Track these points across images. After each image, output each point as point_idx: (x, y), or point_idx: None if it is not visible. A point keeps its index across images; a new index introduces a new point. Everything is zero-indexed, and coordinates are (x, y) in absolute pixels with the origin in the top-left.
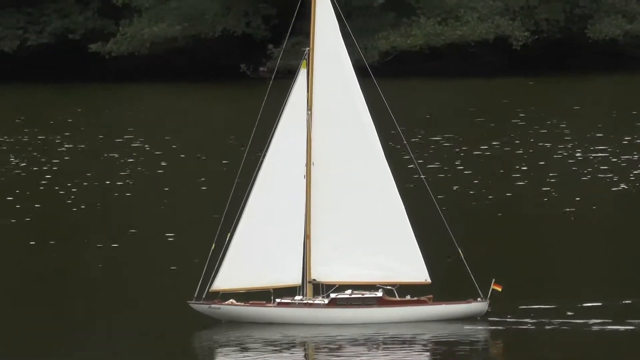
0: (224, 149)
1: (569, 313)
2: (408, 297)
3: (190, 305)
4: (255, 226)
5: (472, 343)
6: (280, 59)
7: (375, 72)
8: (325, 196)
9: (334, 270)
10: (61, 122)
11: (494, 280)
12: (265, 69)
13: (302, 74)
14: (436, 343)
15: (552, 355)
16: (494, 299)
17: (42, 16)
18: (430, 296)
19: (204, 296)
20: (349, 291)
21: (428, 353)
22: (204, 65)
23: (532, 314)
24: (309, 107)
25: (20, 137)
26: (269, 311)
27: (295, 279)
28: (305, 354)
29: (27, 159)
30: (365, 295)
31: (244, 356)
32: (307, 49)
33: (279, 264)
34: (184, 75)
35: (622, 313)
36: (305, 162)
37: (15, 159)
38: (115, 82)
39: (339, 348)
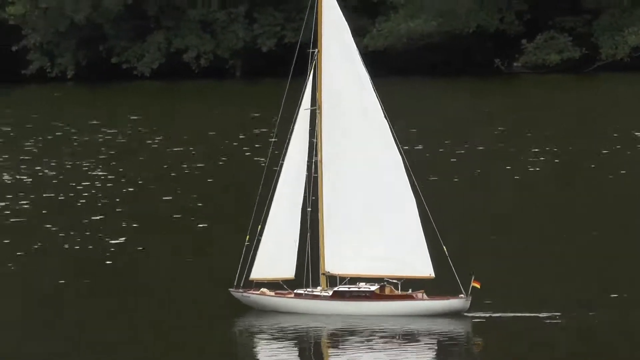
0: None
1: (549, 310)
2: (410, 291)
3: (231, 292)
4: (279, 220)
5: (451, 339)
6: (534, 54)
7: (626, 67)
8: (338, 193)
9: (345, 264)
10: None
11: (473, 277)
12: (519, 64)
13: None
14: (412, 338)
15: (532, 352)
16: (477, 295)
17: (300, 13)
18: (422, 291)
19: (241, 284)
20: (362, 284)
21: (405, 348)
22: (458, 60)
23: (513, 311)
24: (319, 107)
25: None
26: (281, 301)
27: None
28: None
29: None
30: (360, 289)
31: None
32: (316, 50)
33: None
34: (438, 71)
35: (602, 309)
36: (315, 159)
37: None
38: (372, 77)
39: (318, 339)
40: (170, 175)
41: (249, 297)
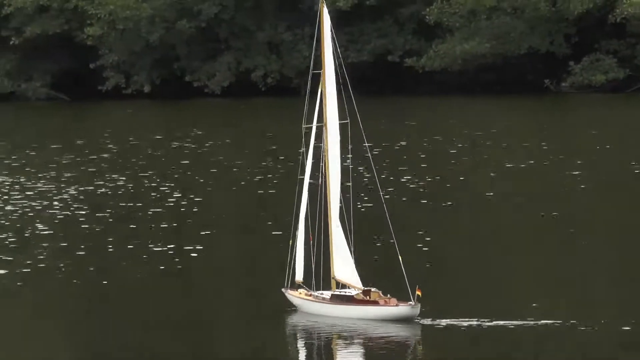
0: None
1: (500, 316)
2: (388, 297)
3: (283, 292)
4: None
5: (399, 344)
6: (580, 75)
7: None
8: (337, 206)
9: (342, 271)
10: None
11: (417, 285)
12: (567, 84)
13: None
14: (362, 342)
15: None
16: (428, 303)
17: (362, 35)
18: (387, 296)
19: (288, 285)
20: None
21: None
22: (510, 80)
23: (463, 317)
24: (325, 124)
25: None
26: (300, 302)
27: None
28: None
29: None
30: (342, 294)
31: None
32: (320, 71)
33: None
34: (491, 90)
35: (550, 313)
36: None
37: None
38: (427, 95)
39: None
40: (233, 185)
41: (288, 296)
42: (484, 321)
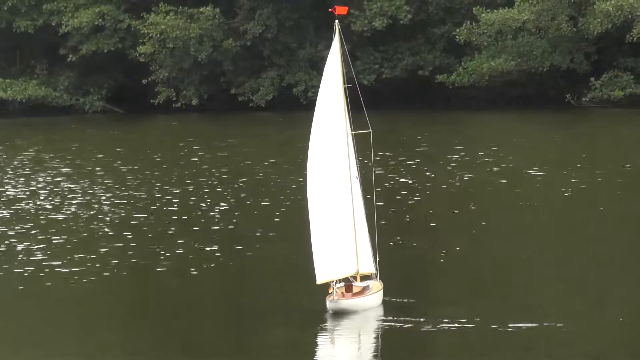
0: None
1: (458, 314)
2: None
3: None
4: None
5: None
6: (600, 90)
7: None
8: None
9: (363, 264)
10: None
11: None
12: (587, 99)
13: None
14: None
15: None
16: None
17: (396, 54)
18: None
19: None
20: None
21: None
22: (534, 95)
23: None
24: (348, 133)
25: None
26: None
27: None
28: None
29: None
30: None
31: None
32: (349, 85)
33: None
34: (516, 104)
35: (515, 314)
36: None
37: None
38: (457, 109)
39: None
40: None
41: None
42: (490, 323)
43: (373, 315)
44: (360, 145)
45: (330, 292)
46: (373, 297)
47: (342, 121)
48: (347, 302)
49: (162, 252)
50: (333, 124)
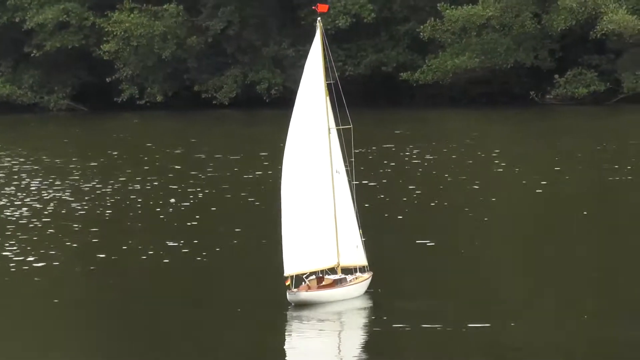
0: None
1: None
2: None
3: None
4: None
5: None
6: (564, 87)
7: None
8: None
9: (346, 257)
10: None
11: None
12: (552, 96)
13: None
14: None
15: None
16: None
17: (360, 51)
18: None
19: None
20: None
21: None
22: (498, 93)
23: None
24: (330, 128)
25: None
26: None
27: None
28: None
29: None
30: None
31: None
32: (332, 82)
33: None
34: (480, 102)
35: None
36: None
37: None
38: (421, 106)
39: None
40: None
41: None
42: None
43: (341, 309)
44: (339, 141)
45: (287, 284)
46: (343, 290)
47: (323, 116)
48: (306, 294)
49: (126, 249)
50: (313, 119)
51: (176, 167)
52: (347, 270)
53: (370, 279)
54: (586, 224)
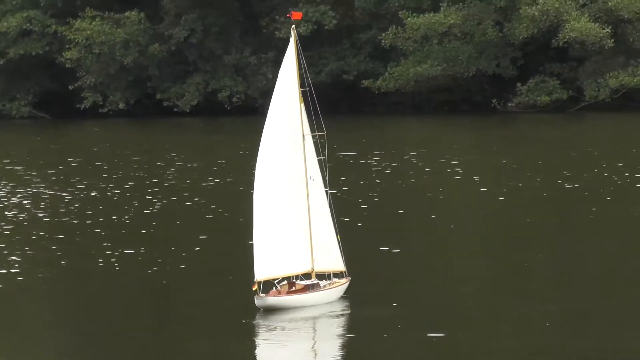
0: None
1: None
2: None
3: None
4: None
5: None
6: (526, 95)
7: (607, 107)
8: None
9: (321, 262)
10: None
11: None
12: (513, 104)
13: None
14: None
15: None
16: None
17: (321, 59)
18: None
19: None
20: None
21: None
22: (460, 101)
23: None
24: (304, 135)
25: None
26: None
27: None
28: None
29: None
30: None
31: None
32: (306, 89)
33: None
34: (442, 110)
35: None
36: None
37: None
38: (383, 114)
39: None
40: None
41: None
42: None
43: (310, 315)
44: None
45: (254, 289)
46: (314, 295)
47: (298, 123)
48: (273, 300)
49: (86, 256)
50: (288, 125)
51: (135, 174)
52: (324, 276)
53: (346, 284)
54: (546, 231)
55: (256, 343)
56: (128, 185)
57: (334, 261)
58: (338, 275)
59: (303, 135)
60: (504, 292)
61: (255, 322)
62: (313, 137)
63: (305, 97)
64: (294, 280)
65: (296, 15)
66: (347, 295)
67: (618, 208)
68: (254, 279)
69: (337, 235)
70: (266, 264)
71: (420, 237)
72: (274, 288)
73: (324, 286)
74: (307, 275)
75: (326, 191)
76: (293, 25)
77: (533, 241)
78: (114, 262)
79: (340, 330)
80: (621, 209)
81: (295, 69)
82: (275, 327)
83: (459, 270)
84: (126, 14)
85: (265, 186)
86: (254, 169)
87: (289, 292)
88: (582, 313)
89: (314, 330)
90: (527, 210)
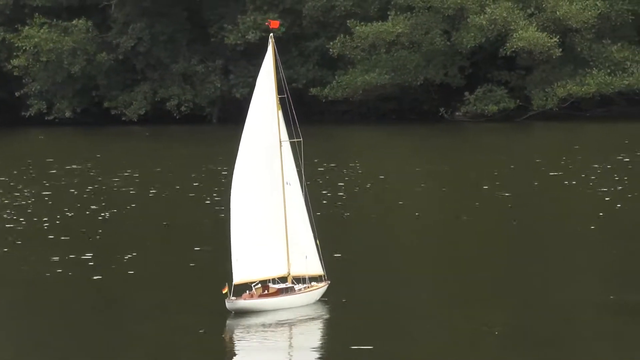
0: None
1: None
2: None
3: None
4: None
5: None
6: (474, 104)
7: (554, 116)
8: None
9: (297, 266)
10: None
11: (226, 284)
12: (461, 113)
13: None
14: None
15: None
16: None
17: None
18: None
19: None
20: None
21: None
22: (408, 110)
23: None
24: (281, 141)
25: None
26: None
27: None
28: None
29: None
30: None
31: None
32: (283, 96)
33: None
34: (390, 119)
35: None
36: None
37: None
38: (331, 123)
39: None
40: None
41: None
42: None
43: (282, 318)
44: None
45: (224, 292)
46: (287, 298)
47: (275, 130)
48: (243, 302)
49: (28, 263)
50: (265, 132)
51: (76, 182)
52: (303, 280)
53: (323, 288)
54: (490, 241)
55: (226, 345)
56: (68, 193)
57: (311, 265)
58: (316, 279)
59: (280, 142)
60: (456, 300)
61: (226, 324)
62: (290, 143)
63: (283, 104)
64: (268, 284)
65: (274, 23)
66: (326, 299)
67: (552, 216)
68: (233, 282)
69: (315, 240)
70: (243, 267)
71: (368, 243)
72: (247, 291)
73: (299, 290)
74: (283, 279)
75: (306, 195)
76: (271, 34)
77: (482, 250)
78: (59, 269)
79: (305, 334)
80: (556, 218)
81: (272, 76)
82: (246, 329)
83: (406, 278)
84: (74, 22)
85: (242, 191)
86: (229, 176)
87: (262, 295)
88: (520, 329)
89: (283, 334)
90: (475, 220)
